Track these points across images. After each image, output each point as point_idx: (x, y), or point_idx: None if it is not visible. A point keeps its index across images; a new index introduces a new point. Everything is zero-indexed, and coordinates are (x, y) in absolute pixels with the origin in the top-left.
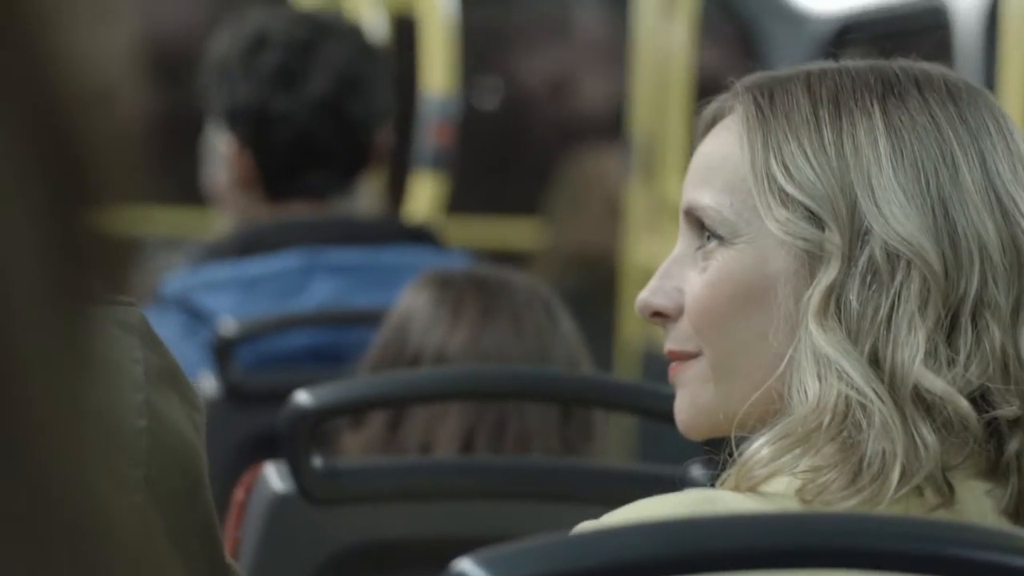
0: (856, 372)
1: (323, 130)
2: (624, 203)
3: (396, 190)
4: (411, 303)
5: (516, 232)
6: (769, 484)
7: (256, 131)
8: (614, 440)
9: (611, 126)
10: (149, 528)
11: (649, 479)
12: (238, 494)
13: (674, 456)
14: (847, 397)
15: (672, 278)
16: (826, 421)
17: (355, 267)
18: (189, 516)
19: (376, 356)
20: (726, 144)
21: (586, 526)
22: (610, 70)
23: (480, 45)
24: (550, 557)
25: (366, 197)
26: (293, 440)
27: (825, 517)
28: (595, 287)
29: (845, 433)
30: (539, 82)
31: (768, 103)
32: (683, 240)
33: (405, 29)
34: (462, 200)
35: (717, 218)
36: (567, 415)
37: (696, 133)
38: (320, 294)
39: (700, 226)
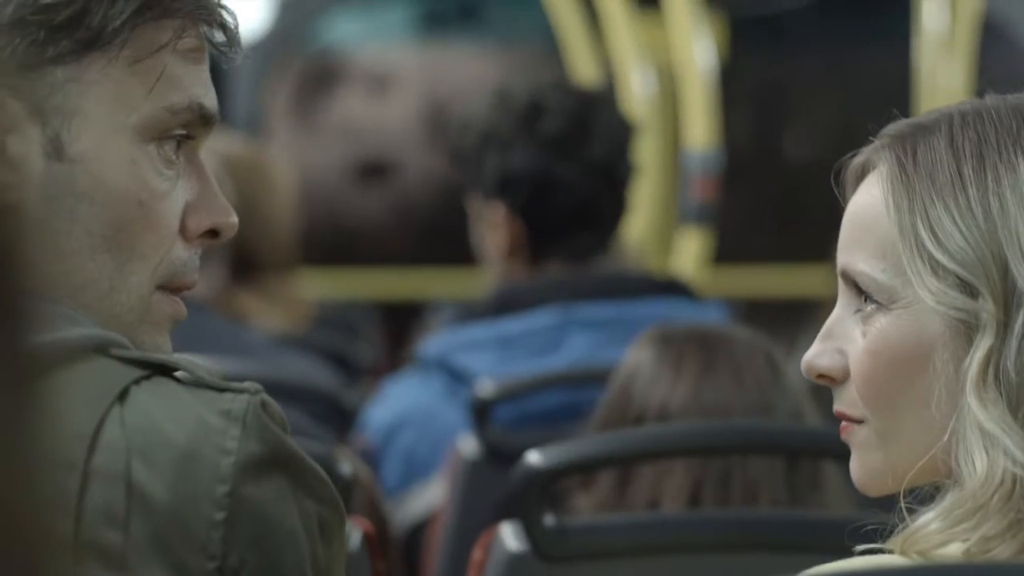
0: (1018, 448)
1: (600, 194)
2: None
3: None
4: (634, 361)
5: (809, 280)
6: (938, 551)
7: (534, 197)
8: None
9: None
10: None
11: (862, 532)
12: (476, 553)
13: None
14: (1013, 474)
15: (835, 339)
16: (994, 498)
17: (610, 321)
18: None
19: (603, 414)
20: (874, 204)
21: None
22: (894, 114)
23: (764, 94)
24: None
25: (616, 256)
26: (525, 499)
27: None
28: None
29: (1014, 508)
30: (828, 128)
31: (911, 161)
32: (842, 300)
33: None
34: (757, 248)
35: (872, 285)
36: (793, 464)
37: (845, 186)
38: (576, 349)
39: (857, 288)
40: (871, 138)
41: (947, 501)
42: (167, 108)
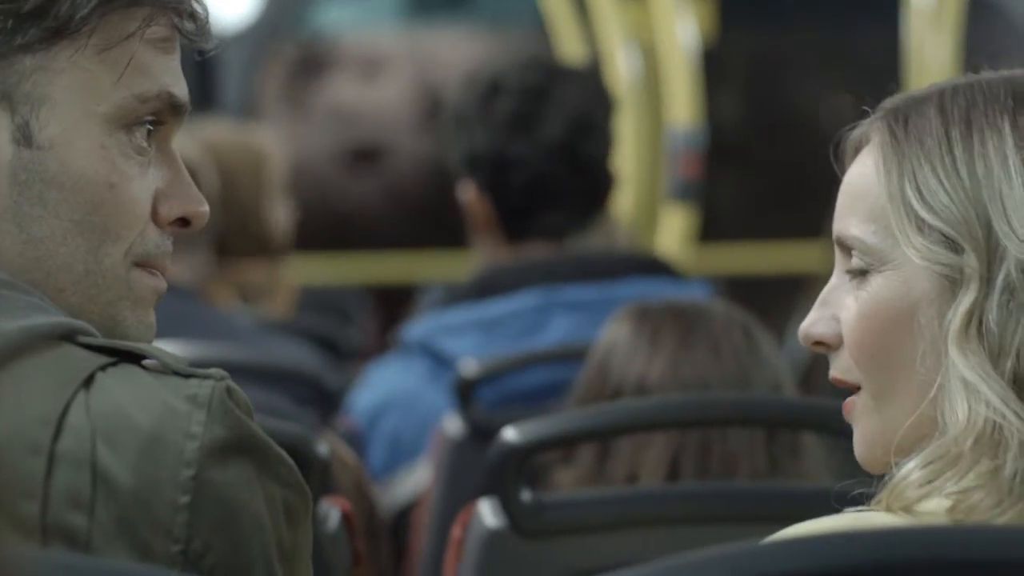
0: (995, 395)
1: (558, 172)
2: None
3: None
4: (611, 337)
5: (802, 256)
6: (921, 505)
7: (493, 176)
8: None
9: None
10: None
11: (849, 497)
12: (455, 531)
13: None
14: (993, 421)
15: (829, 306)
16: (971, 443)
17: (592, 303)
18: None
19: (581, 391)
20: (866, 172)
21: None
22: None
23: (754, 70)
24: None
25: (603, 233)
26: (502, 476)
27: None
28: None
29: (991, 454)
30: (820, 104)
31: (902, 128)
32: (837, 269)
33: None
34: (749, 226)
35: (863, 247)
36: (772, 436)
37: (844, 160)
38: (558, 331)
39: (851, 254)
40: (868, 110)
41: (927, 449)
42: (136, 96)
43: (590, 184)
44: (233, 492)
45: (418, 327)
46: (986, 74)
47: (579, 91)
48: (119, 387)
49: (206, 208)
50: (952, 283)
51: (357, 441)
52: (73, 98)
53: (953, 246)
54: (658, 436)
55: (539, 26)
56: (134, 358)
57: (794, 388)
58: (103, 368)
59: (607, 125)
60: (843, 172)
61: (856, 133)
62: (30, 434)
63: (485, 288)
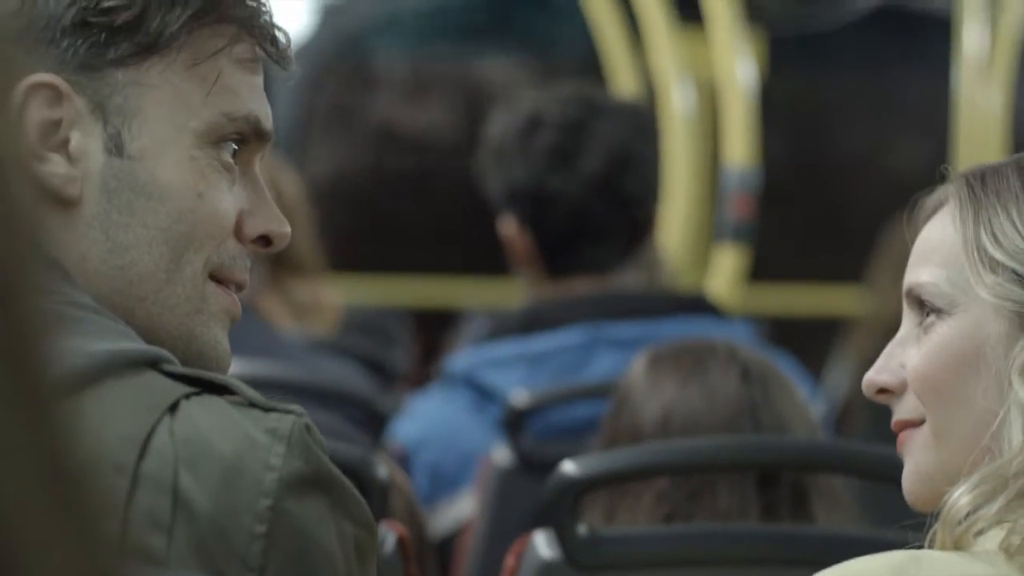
0: None
1: (597, 207)
2: None
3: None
4: (627, 378)
5: (843, 300)
6: (978, 542)
7: (533, 210)
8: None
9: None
10: None
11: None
12: (509, 560)
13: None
14: None
15: (895, 357)
16: (1022, 466)
17: (636, 340)
18: None
19: (603, 431)
20: (943, 228)
21: None
22: (931, 136)
23: (802, 113)
24: None
25: (645, 269)
26: (559, 508)
27: None
28: None
29: None
30: (862, 150)
31: (980, 184)
32: (906, 322)
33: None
34: (789, 268)
35: (934, 291)
36: (766, 484)
37: (917, 223)
38: (603, 369)
39: (920, 305)
40: (945, 173)
41: (977, 473)
42: (224, 114)
43: (631, 219)
44: (308, 525)
45: (462, 359)
46: None
47: (620, 125)
48: (203, 416)
49: (288, 229)
50: (1021, 320)
51: (405, 465)
52: (164, 112)
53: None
54: (648, 489)
55: (593, 59)
56: (217, 389)
57: (812, 428)
58: (187, 396)
59: (650, 160)
60: (914, 235)
61: (933, 196)
62: (115, 453)
63: (531, 323)
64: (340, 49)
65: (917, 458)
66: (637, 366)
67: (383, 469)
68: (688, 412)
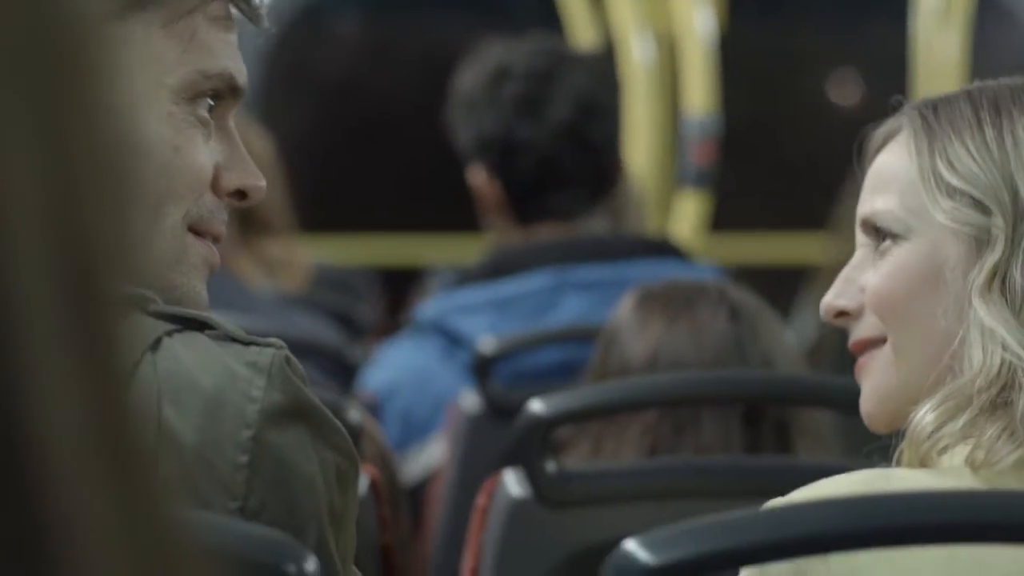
0: (1013, 339)
1: (565, 154)
2: None
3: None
4: (615, 318)
5: (807, 247)
6: (943, 459)
7: (502, 159)
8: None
9: None
10: None
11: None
12: (480, 500)
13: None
14: (1009, 364)
15: (853, 281)
16: (984, 384)
17: (604, 283)
18: None
19: (592, 369)
20: (897, 158)
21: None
22: (891, 83)
23: (763, 63)
24: (709, 537)
25: (612, 216)
26: (528, 447)
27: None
28: None
29: (1005, 395)
30: (824, 98)
31: (933, 114)
32: (862, 249)
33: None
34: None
35: (890, 218)
36: (751, 419)
37: (867, 154)
38: (570, 311)
39: (875, 232)
40: (899, 104)
41: (941, 392)
42: (200, 71)
43: (598, 166)
44: (289, 454)
45: (431, 306)
46: (1008, 79)
47: (586, 75)
48: (184, 351)
49: (263, 183)
50: (979, 243)
51: (376, 413)
52: (143, 69)
53: (981, 208)
54: (635, 422)
55: (551, 12)
56: (198, 326)
57: (792, 364)
58: (169, 333)
59: (615, 109)
60: (863, 169)
61: (884, 128)
62: None
63: (497, 269)
64: (301, 8)
65: (877, 378)
66: (626, 306)
67: (355, 414)
68: (675, 350)
